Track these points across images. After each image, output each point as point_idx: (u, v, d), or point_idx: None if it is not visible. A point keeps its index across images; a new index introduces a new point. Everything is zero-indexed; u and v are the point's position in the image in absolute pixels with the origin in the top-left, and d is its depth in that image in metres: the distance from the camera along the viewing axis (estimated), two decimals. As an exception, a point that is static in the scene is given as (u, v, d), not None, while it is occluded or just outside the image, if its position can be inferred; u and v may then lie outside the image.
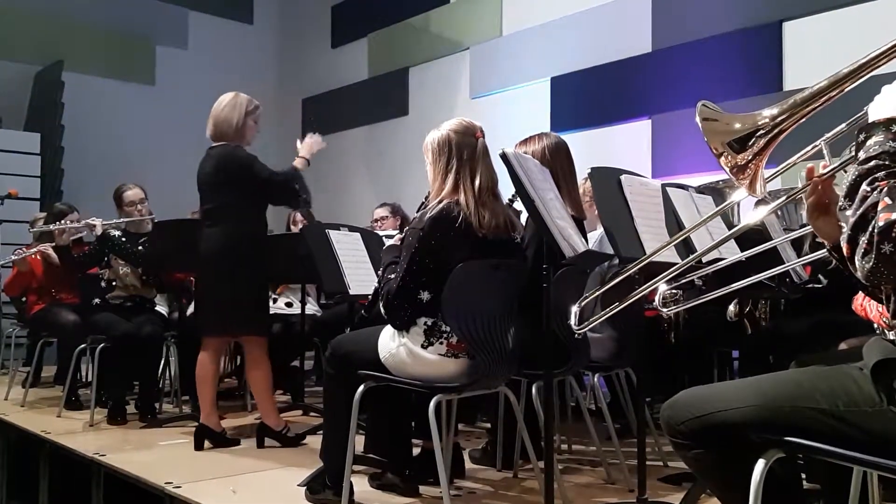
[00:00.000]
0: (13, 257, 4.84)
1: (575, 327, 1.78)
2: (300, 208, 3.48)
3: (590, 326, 1.77)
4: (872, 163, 1.14)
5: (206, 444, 3.44)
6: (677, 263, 1.56)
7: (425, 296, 2.37)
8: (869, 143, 1.17)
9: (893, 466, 1.26)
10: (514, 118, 6.41)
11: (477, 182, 2.41)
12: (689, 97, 5.36)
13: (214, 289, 3.41)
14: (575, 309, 1.79)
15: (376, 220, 5.15)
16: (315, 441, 3.26)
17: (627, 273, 1.76)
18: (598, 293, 1.92)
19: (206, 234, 3.42)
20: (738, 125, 1.29)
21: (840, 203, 1.16)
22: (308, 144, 3.59)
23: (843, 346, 2.23)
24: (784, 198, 1.49)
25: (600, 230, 3.34)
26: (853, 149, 1.22)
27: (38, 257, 4.81)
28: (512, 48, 6.80)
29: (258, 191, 3.40)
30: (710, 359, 3.74)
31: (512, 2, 6.89)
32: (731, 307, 2.76)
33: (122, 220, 4.38)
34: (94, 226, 4.26)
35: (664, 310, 2.01)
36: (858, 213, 1.10)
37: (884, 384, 1.29)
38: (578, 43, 6.23)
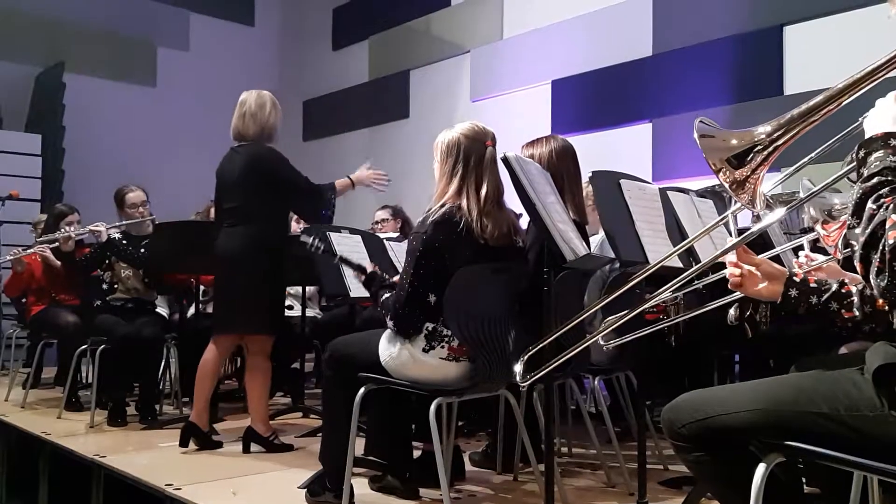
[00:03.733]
0: (9, 257, 4.82)
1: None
2: (319, 222, 3.47)
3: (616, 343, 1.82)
4: (875, 179, 1.15)
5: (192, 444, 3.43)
6: (681, 268, 1.57)
7: (432, 298, 2.38)
8: (869, 159, 1.18)
9: (894, 471, 1.26)
10: (515, 121, 6.41)
11: (483, 191, 2.41)
12: (689, 101, 5.38)
13: (232, 288, 3.38)
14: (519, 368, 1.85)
15: (377, 223, 5.15)
16: (315, 443, 3.25)
17: (635, 281, 1.76)
18: (610, 299, 1.93)
19: (227, 233, 3.37)
20: (734, 141, 1.30)
21: (849, 222, 1.16)
22: (367, 175, 3.63)
23: (843, 349, 2.23)
24: (791, 205, 1.50)
25: (602, 234, 3.35)
26: (853, 162, 1.23)
27: (38, 258, 4.81)
28: (512, 51, 6.81)
29: (287, 192, 3.37)
30: (711, 362, 3.73)
31: (512, 5, 6.90)
32: (732, 311, 2.77)
33: (124, 222, 4.38)
34: (99, 232, 4.24)
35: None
36: (868, 231, 1.11)
37: (885, 389, 1.29)
38: (579, 46, 6.24)
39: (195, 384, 3.49)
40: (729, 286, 1.58)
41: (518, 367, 1.94)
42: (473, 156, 2.43)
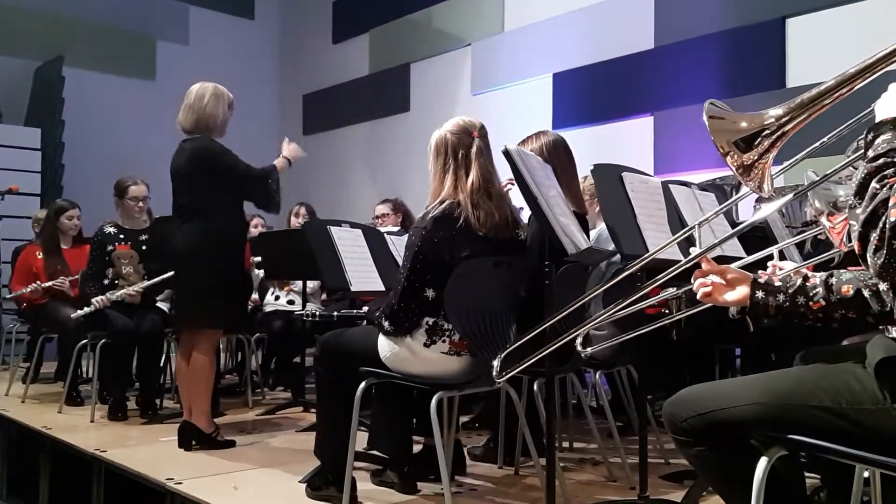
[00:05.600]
0: (26, 290, 4.64)
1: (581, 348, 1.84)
2: (270, 210, 3.45)
3: (600, 347, 1.82)
4: (881, 160, 1.14)
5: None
6: (681, 261, 1.55)
7: (430, 293, 2.37)
8: (877, 141, 1.17)
9: (895, 464, 1.26)
10: (516, 114, 6.40)
11: (468, 182, 2.41)
12: (691, 94, 5.36)
13: (185, 284, 3.35)
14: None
15: (377, 217, 5.13)
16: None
17: (630, 271, 1.77)
18: (597, 292, 1.93)
19: (181, 229, 3.33)
20: (744, 124, 1.27)
21: (850, 202, 1.15)
22: (294, 148, 3.55)
23: (845, 343, 2.22)
24: (790, 195, 1.49)
25: (598, 227, 3.34)
26: (862, 146, 1.22)
27: (38, 255, 4.82)
28: (514, 44, 6.79)
29: (233, 184, 3.34)
30: (712, 356, 3.73)
31: (513, -3, 6.89)
32: (734, 304, 2.76)
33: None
34: (135, 295, 4.16)
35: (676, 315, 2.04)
36: (869, 209, 1.10)
37: (887, 382, 1.29)
38: (581, 39, 6.22)
39: (193, 388, 3.39)
40: (698, 298, 1.58)
41: (496, 363, 1.94)
42: (461, 150, 2.44)
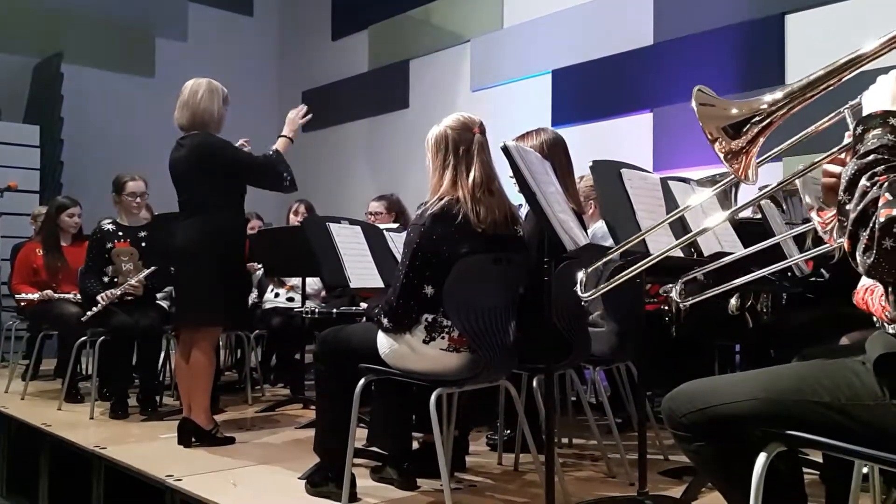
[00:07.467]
0: (35, 297, 4.67)
1: (581, 294, 1.80)
2: (286, 191, 3.43)
3: (596, 294, 1.78)
4: (871, 157, 1.13)
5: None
6: (681, 258, 1.56)
7: (429, 290, 2.37)
8: (867, 136, 1.16)
9: (894, 460, 1.26)
10: (515, 111, 6.40)
11: (470, 178, 2.40)
12: (690, 90, 5.30)
13: (186, 281, 3.34)
14: (581, 276, 1.80)
15: (371, 214, 5.08)
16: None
17: (612, 254, 1.76)
18: (600, 263, 1.92)
19: (181, 226, 3.33)
20: (734, 111, 1.28)
21: (840, 198, 1.15)
22: (291, 121, 3.53)
23: (844, 339, 2.22)
24: (726, 181, 1.48)
25: (593, 227, 3.34)
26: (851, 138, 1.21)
27: (38, 250, 4.82)
28: (513, 41, 6.78)
29: (236, 176, 3.32)
30: (712, 352, 3.74)
31: (513, -6, 6.87)
32: (733, 301, 2.76)
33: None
34: (138, 286, 4.16)
35: (678, 301, 2.02)
36: (859, 208, 1.10)
37: (886, 378, 1.29)
38: (580, 36, 6.21)
39: (194, 384, 3.38)
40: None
41: (581, 276, 1.84)
42: (462, 146, 2.43)
